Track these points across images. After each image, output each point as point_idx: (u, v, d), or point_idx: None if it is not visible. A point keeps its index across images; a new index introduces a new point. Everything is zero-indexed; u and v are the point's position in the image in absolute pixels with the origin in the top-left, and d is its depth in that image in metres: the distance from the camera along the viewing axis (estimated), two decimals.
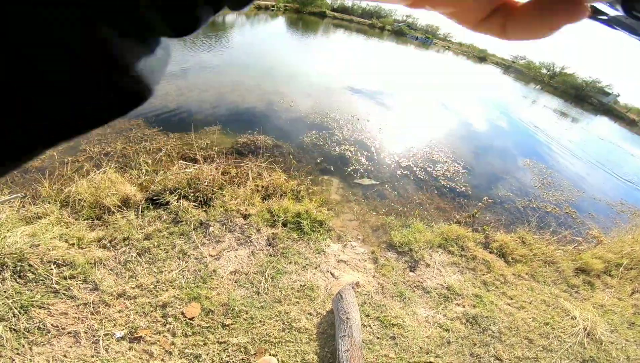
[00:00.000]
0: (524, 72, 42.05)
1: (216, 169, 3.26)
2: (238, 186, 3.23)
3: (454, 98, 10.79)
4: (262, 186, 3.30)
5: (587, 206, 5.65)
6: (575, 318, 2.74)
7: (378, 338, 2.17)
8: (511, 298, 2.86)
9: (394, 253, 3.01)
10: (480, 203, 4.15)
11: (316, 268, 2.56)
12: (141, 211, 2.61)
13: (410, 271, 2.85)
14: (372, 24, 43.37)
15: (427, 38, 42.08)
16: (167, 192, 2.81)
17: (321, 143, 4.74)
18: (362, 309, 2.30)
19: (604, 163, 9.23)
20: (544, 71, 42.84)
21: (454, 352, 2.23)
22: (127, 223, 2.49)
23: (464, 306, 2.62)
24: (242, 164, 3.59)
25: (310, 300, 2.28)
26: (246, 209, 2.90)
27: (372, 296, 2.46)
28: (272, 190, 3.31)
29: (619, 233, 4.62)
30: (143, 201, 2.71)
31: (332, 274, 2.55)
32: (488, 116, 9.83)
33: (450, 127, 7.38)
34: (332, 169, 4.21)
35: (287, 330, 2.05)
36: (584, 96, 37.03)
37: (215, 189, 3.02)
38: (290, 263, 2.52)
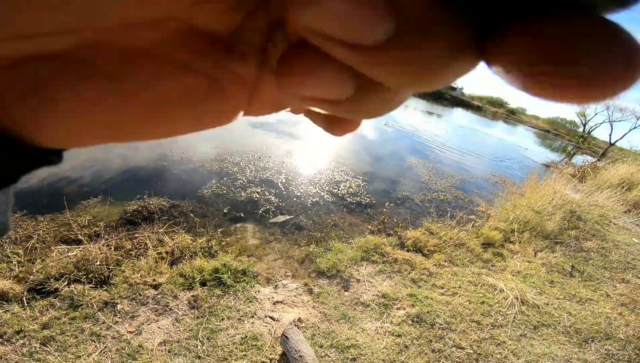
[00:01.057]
0: None
1: (106, 246, 2.75)
2: (137, 258, 2.77)
3: None
4: (167, 252, 2.89)
5: (469, 186, 6.74)
6: (503, 290, 3.09)
7: None
8: (442, 288, 3.08)
9: (324, 279, 3.00)
10: (384, 209, 4.49)
11: (252, 316, 2.40)
12: (27, 302, 2.18)
13: (345, 291, 2.88)
14: None
15: None
16: (52, 279, 2.36)
17: (224, 191, 4.44)
18: (314, 341, 2.24)
19: (470, 146, 11.39)
20: None
21: (416, 354, 2.28)
22: (14, 316, 2.05)
23: (404, 309, 2.72)
24: (136, 235, 3.06)
25: (257, 349, 2.14)
26: (154, 280, 2.53)
27: (318, 327, 2.40)
28: (179, 254, 2.94)
29: (500, 203, 5.62)
30: (25, 292, 2.26)
31: (271, 318, 2.43)
32: (376, 125, 11.05)
33: (345, 145, 7.93)
34: (242, 215, 3.95)
35: None
36: (441, 94, 45.60)
37: (111, 267, 2.56)
38: (223, 319, 2.31)
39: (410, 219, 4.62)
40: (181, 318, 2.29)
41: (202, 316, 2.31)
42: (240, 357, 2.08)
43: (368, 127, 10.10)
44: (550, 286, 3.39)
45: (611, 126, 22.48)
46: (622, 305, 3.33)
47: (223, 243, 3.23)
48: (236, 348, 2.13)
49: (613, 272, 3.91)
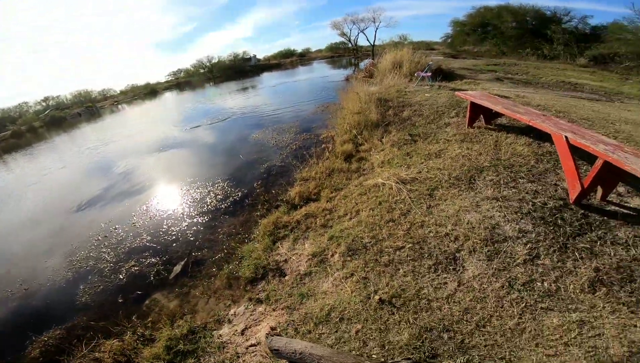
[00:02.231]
0: (193, 80, 46.46)
1: None
2: None
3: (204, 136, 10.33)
4: None
5: (308, 126, 7.37)
6: (384, 183, 3.46)
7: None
8: (345, 215, 3.27)
9: (259, 283, 2.87)
10: (258, 190, 4.50)
11: (238, 357, 2.19)
12: None
13: (283, 277, 2.81)
14: None
15: (89, 108, 36.37)
16: None
17: (102, 286, 3.48)
18: (300, 333, 2.17)
19: (290, 97, 12.24)
20: (202, 70, 48.91)
21: (377, 277, 2.37)
22: None
23: (335, 252, 2.80)
24: None
25: None
26: None
27: (292, 321, 2.30)
28: (124, 360, 2.52)
29: (333, 123, 6.26)
30: None
31: (252, 345, 2.25)
32: (190, 136, 10.24)
33: (184, 169, 7.12)
34: (140, 293, 3.28)
35: None
36: (241, 69, 45.98)
37: None
38: None
39: (283, 181, 4.71)
40: None
41: None
42: None
43: (205, 135, 9.30)
44: (410, 158, 4.09)
45: (364, 33, 29.49)
46: (461, 142, 4.01)
47: (149, 325, 2.80)
48: None
49: (435, 123, 5.02)
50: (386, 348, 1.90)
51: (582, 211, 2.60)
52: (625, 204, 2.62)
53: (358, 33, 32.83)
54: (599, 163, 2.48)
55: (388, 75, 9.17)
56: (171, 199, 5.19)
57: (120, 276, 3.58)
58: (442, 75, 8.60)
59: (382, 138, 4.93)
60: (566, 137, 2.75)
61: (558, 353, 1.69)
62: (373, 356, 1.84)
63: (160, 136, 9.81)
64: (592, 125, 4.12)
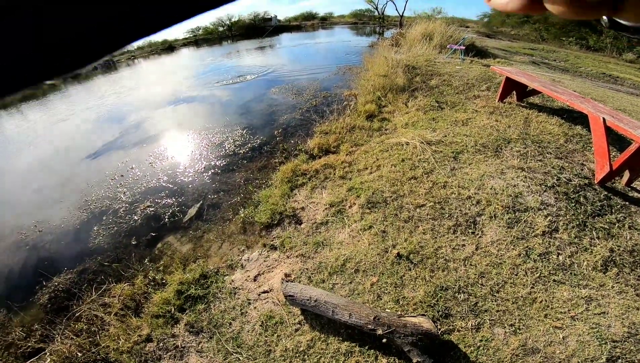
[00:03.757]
0: (211, 38, 45.20)
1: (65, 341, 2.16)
2: (102, 331, 2.18)
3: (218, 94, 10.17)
4: (121, 309, 2.28)
5: (329, 85, 7.16)
6: (408, 143, 3.41)
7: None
8: (366, 169, 3.24)
9: (275, 229, 2.84)
10: (277, 138, 4.44)
11: (250, 303, 2.19)
12: None
13: (299, 224, 2.78)
14: None
15: (106, 61, 35.54)
16: None
17: (116, 228, 3.45)
18: (314, 282, 2.19)
19: (310, 57, 11.85)
20: (221, 28, 47.42)
21: (395, 231, 2.40)
22: None
23: (354, 204, 2.79)
24: (77, 314, 2.31)
25: (280, 324, 1.99)
26: (139, 337, 1.88)
27: (306, 269, 2.31)
28: (132, 304, 2.36)
29: (356, 83, 6.13)
30: None
31: (265, 292, 2.24)
32: (216, 88, 10.05)
33: (201, 111, 7.05)
34: (154, 234, 3.27)
35: None
36: (261, 30, 44.56)
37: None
38: (231, 323, 2.08)
39: (302, 133, 4.66)
40: (199, 349, 1.98)
41: (212, 334, 2.04)
42: (274, 340, 1.90)
43: (216, 89, 9.13)
44: (435, 122, 4.00)
45: (393, 2, 28.04)
46: (490, 114, 3.97)
47: (161, 269, 2.77)
48: (265, 335, 1.93)
49: (464, 94, 4.87)
50: (400, 303, 1.93)
51: (605, 193, 2.58)
52: None
53: (387, 1, 31.03)
54: (633, 147, 2.44)
55: (417, 45, 8.74)
56: (189, 143, 5.17)
57: (135, 217, 3.54)
58: (475, 52, 8.17)
59: (407, 102, 4.78)
60: (604, 118, 2.67)
61: (564, 326, 1.74)
62: (387, 310, 1.87)
63: (174, 90, 9.60)
64: (629, 116, 3.95)
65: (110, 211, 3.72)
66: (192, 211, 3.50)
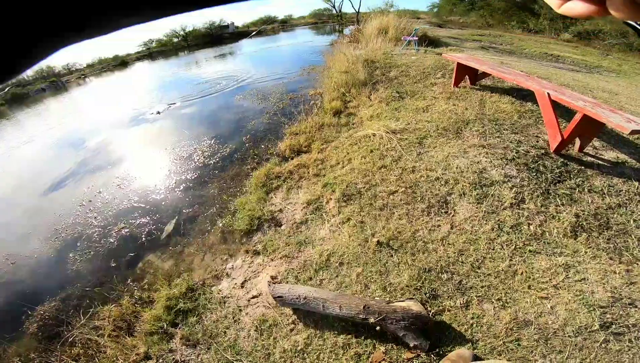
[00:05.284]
0: (166, 50, 43.56)
1: None
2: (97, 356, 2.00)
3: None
4: (113, 330, 2.04)
5: (294, 87, 7.16)
6: (375, 134, 3.51)
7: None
8: (338, 164, 3.28)
9: (256, 234, 2.83)
10: (247, 144, 4.44)
11: (241, 310, 2.17)
12: None
13: (279, 227, 2.79)
14: None
15: (53, 83, 31.76)
16: None
17: (92, 253, 3.32)
18: (301, 280, 2.20)
19: (273, 61, 11.77)
20: (176, 39, 45.81)
21: (373, 220, 2.45)
22: None
23: (330, 199, 2.82)
24: (71, 340, 1.94)
25: (275, 326, 1.98)
26: (137, 356, 1.86)
27: (292, 269, 2.31)
28: (124, 325, 2.28)
29: (320, 82, 6.17)
30: None
31: (254, 297, 2.23)
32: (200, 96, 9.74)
33: (166, 126, 6.80)
34: (133, 254, 3.18)
35: None
36: (218, 37, 43.62)
37: None
38: (225, 332, 2.05)
39: (272, 137, 4.66)
40: (199, 361, 1.95)
41: (209, 345, 2.01)
42: (271, 343, 1.88)
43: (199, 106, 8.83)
44: (398, 112, 4.13)
45: (349, 0, 29.08)
46: (448, 99, 4.15)
47: (146, 287, 2.72)
48: (262, 339, 1.93)
49: (421, 83, 5.06)
50: (388, 290, 1.97)
51: (562, 160, 2.77)
52: (601, 156, 2.82)
53: (343, 0, 31.85)
54: (578, 117, 2.64)
55: (374, 40, 8.97)
56: (156, 160, 4.98)
57: (111, 240, 3.43)
58: (427, 42, 8.52)
59: (370, 95, 4.91)
60: (548, 93, 2.88)
61: (550, 296, 1.79)
62: (376, 298, 1.90)
63: (133, 107, 9.13)
64: (572, 90, 4.31)
65: (84, 236, 3.58)
66: (169, 228, 3.42)
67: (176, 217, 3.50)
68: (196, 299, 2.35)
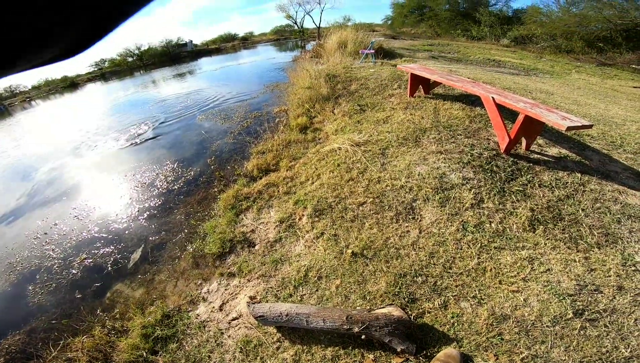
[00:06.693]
0: (120, 70, 41.67)
1: None
2: None
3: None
4: None
5: (258, 105, 7.15)
6: (340, 148, 3.59)
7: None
8: (307, 180, 3.31)
9: (229, 256, 2.77)
10: (212, 166, 4.33)
11: (222, 333, 2.10)
12: None
13: (252, 247, 2.76)
14: None
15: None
16: None
17: (54, 285, 3.01)
18: (281, 298, 2.17)
19: (235, 79, 11.67)
20: (130, 58, 44.01)
21: (345, 231, 2.46)
22: None
23: (303, 216, 2.83)
24: None
25: (260, 346, 1.94)
26: None
27: (271, 287, 2.29)
28: (100, 356, 2.09)
29: (285, 99, 6.20)
30: None
31: (234, 319, 2.17)
32: (156, 119, 9.34)
33: (124, 156, 6.46)
34: (99, 285, 2.98)
35: None
36: (176, 56, 42.63)
37: None
38: (210, 357, 1.98)
39: (238, 157, 4.61)
40: None
41: None
42: None
43: (142, 132, 8.44)
44: (360, 125, 4.27)
45: (310, 15, 29.89)
46: (405, 109, 4.39)
47: (117, 316, 2.57)
48: (248, 360, 1.88)
49: (380, 94, 5.27)
50: (367, 298, 1.99)
51: (512, 159, 3.00)
52: (545, 153, 3.09)
53: (304, 15, 32.73)
54: (521, 118, 2.89)
55: (334, 54, 9.28)
56: (115, 188, 4.71)
57: (73, 271, 3.21)
58: (383, 53, 8.98)
59: (334, 109, 5.04)
60: (493, 97, 3.14)
61: (520, 289, 1.87)
62: (357, 307, 1.92)
63: (86, 132, 8.63)
64: (514, 93, 4.72)
65: (42, 269, 3.33)
66: (136, 256, 3.25)
67: (142, 245, 3.34)
68: (174, 325, 2.27)
